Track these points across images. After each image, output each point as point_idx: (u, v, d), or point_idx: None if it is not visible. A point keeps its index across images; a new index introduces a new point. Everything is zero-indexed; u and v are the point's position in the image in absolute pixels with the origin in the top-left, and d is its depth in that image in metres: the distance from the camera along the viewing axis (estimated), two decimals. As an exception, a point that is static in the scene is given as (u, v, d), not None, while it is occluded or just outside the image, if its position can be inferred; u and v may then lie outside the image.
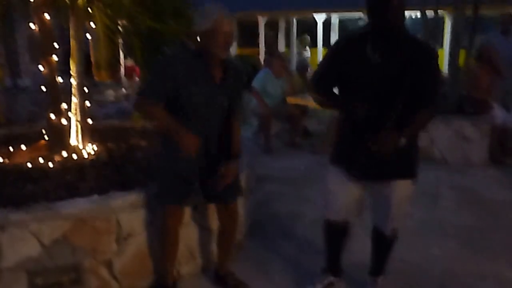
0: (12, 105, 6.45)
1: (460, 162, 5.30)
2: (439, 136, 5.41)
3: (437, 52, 2.26)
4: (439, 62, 2.31)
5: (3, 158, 3.51)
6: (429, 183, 4.69)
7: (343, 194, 2.44)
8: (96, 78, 9.47)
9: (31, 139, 3.93)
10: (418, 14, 5.57)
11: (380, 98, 2.17)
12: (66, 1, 3.29)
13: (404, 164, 2.33)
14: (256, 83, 6.02)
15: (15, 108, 6.40)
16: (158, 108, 2.30)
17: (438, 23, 12.95)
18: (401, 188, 2.36)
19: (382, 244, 2.56)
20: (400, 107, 2.13)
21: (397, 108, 2.14)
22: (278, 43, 15.02)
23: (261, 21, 14.75)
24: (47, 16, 3.26)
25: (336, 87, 2.39)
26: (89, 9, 3.48)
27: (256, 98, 6.03)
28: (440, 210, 3.99)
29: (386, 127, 2.14)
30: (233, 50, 15.25)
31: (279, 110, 6.01)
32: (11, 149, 3.74)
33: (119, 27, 3.40)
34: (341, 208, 2.48)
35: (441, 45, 11.39)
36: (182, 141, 2.26)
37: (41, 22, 3.25)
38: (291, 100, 6.16)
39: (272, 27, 15.12)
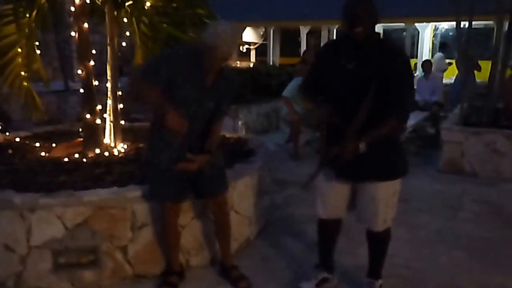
0: (63, 106, 7.00)
1: (490, 175, 5.19)
2: (470, 148, 5.32)
3: (408, 62, 2.33)
4: (412, 73, 2.35)
5: (44, 152, 3.90)
6: (454, 195, 4.66)
7: (332, 194, 2.56)
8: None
9: (72, 136, 4.33)
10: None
11: (349, 102, 2.29)
12: (103, 11, 3.62)
13: (385, 167, 2.41)
14: (287, 91, 6.17)
15: (65, 109, 6.95)
16: (154, 90, 2.44)
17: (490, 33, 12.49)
18: (385, 187, 2.44)
19: (373, 243, 2.64)
20: (366, 112, 2.23)
21: (362, 112, 2.24)
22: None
23: (303, 31, 14.86)
24: (85, 24, 3.62)
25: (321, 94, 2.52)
26: (125, 19, 3.83)
27: (286, 106, 6.19)
28: (457, 221, 3.96)
29: (347, 135, 2.26)
30: (276, 59, 15.49)
31: (309, 118, 6.12)
32: (53, 144, 4.14)
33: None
34: (330, 207, 2.61)
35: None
36: (172, 119, 2.40)
37: (79, 30, 3.61)
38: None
39: (316, 37, 15.20)
